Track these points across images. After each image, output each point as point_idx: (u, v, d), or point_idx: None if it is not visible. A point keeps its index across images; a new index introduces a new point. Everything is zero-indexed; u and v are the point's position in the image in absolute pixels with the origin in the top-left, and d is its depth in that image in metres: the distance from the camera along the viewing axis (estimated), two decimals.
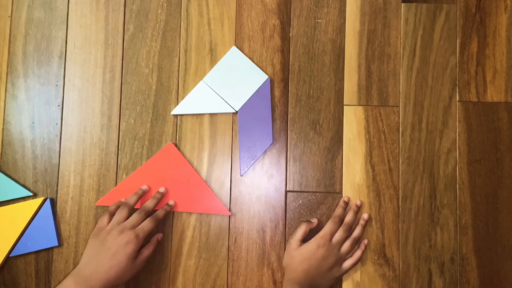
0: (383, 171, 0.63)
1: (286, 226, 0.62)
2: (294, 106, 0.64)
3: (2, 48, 0.64)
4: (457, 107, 0.64)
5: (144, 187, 0.61)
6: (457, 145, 0.63)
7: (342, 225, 0.59)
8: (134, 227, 0.55)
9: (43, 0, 0.65)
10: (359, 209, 0.62)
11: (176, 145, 0.63)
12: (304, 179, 0.63)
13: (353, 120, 0.64)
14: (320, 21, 0.65)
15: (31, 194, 0.61)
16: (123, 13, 0.65)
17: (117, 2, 0.65)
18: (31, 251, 0.61)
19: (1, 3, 0.65)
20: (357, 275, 0.61)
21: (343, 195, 0.63)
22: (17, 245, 0.60)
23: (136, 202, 0.59)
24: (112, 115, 0.64)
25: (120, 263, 0.53)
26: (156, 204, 0.59)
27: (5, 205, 0.61)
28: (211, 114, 0.64)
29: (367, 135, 0.63)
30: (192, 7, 0.65)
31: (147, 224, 0.56)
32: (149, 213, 0.58)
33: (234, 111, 0.63)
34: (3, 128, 0.63)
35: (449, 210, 0.62)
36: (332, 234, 0.57)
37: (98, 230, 0.55)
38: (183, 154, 0.63)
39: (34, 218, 0.61)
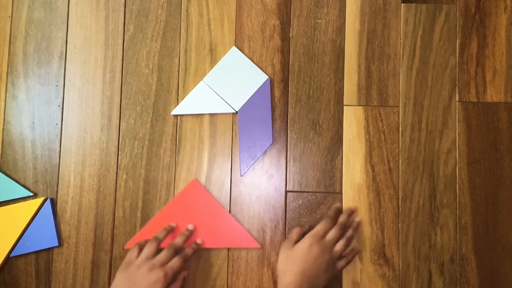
0: (383, 171, 0.63)
1: (286, 226, 0.62)
2: (294, 106, 0.64)
3: (2, 48, 0.64)
4: (456, 107, 0.64)
5: (173, 224, 0.61)
6: (457, 145, 0.63)
7: (336, 224, 0.59)
8: (163, 264, 0.55)
9: (43, 1, 0.65)
10: (352, 212, 0.62)
11: (176, 145, 0.63)
12: (304, 179, 0.63)
13: (353, 120, 0.64)
14: (320, 21, 0.65)
15: (31, 194, 0.62)
16: (123, 14, 0.65)
17: (117, 2, 0.65)
18: (31, 251, 0.61)
19: (2, 4, 0.65)
20: (357, 275, 0.61)
21: (343, 195, 0.63)
22: (17, 245, 0.60)
23: (165, 237, 0.59)
24: (112, 115, 0.64)
25: None
26: (185, 242, 0.59)
27: (6, 205, 0.61)
28: (211, 114, 0.64)
29: (367, 135, 0.64)
30: (192, 8, 0.65)
31: (175, 263, 0.55)
32: (178, 251, 0.57)
33: (234, 111, 0.63)
34: (3, 128, 0.63)
35: (449, 210, 0.62)
36: (325, 233, 0.57)
37: (127, 264, 0.55)
38: (183, 155, 0.63)
39: (34, 218, 0.61)
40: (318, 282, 0.55)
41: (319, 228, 0.57)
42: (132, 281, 0.53)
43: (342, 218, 0.60)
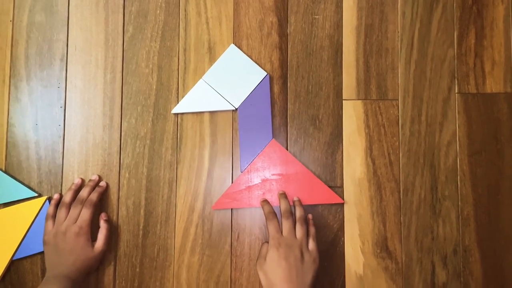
0: (383, 165, 0.63)
1: None
2: (294, 102, 0.65)
3: (4, 52, 0.65)
4: (456, 99, 0.64)
5: (76, 180, 0.63)
6: (457, 137, 0.63)
7: (282, 214, 0.56)
8: (75, 220, 0.59)
9: (44, 4, 0.66)
10: (282, 193, 0.60)
11: (177, 143, 0.64)
12: None
13: (352, 115, 0.64)
14: (317, 17, 0.65)
15: (36, 194, 0.62)
16: (122, 15, 0.66)
17: (116, 4, 0.66)
18: (35, 252, 0.61)
19: (3, 8, 0.66)
20: (359, 269, 0.62)
21: (344, 189, 0.63)
22: (21, 247, 0.61)
23: (72, 197, 0.61)
24: (114, 115, 0.65)
25: (80, 256, 0.57)
26: (90, 192, 0.61)
27: (10, 206, 0.62)
28: (211, 112, 0.64)
29: (367, 129, 0.64)
30: (190, 7, 0.66)
31: (85, 213, 0.59)
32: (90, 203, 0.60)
33: (234, 109, 0.64)
34: (7, 131, 0.64)
35: (451, 202, 0.62)
36: (279, 230, 0.55)
37: (46, 237, 0.59)
38: (184, 153, 0.64)
39: (37, 218, 0.62)
40: (305, 276, 0.52)
41: (271, 230, 0.55)
42: (59, 250, 0.57)
43: (283, 205, 0.58)
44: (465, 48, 0.64)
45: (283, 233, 0.55)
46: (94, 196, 0.61)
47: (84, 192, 0.61)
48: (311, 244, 0.55)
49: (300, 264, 0.52)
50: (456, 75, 0.64)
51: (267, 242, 0.55)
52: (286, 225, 0.55)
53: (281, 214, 0.57)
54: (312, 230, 0.57)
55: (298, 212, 0.57)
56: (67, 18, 0.66)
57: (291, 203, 0.60)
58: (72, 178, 0.64)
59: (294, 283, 0.51)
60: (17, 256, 0.61)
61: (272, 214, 0.56)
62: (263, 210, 0.58)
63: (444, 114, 0.63)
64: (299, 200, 0.60)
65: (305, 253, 0.54)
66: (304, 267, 0.53)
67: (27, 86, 0.65)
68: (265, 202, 0.60)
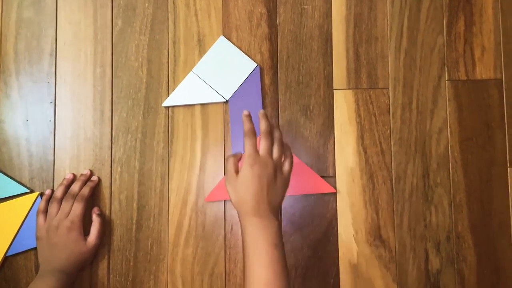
0: (375, 153, 0.63)
1: (281, 211, 0.63)
2: (284, 92, 0.65)
3: None
4: (446, 86, 0.64)
5: (68, 175, 0.62)
6: (448, 124, 0.63)
7: (261, 133, 0.53)
8: (67, 215, 0.59)
9: (32, 0, 0.66)
10: (267, 115, 0.55)
11: (168, 136, 0.64)
12: None
13: (343, 104, 0.64)
14: (306, 7, 0.65)
15: (28, 190, 0.62)
16: (110, 9, 0.65)
17: None
18: (27, 248, 0.61)
19: None
20: (353, 257, 0.62)
21: (337, 179, 0.63)
22: (14, 243, 0.61)
23: (63, 192, 0.61)
24: (105, 109, 0.64)
25: (73, 250, 0.57)
26: (82, 186, 0.61)
27: (2, 202, 0.62)
28: (202, 104, 0.64)
29: (358, 118, 0.64)
30: None
31: (76, 207, 0.59)
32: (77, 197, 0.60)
33: (225, 100, 0.64)
34: None
35: (443, 189, 0.62)
36: (256, 148, 0.52)
37: (39, 232, 0.59)
38: (176, 146, 0.64)
39: (30, 214, 0.61)
40: (275, 196, 0.51)
41: (248, 147, 0.52)
42: (52, 244, 0.58)
43: (262, 126, 0.53)
44: (454, 35, 0.64)
45: (260, 152, 0.52)
46: (85, 190, 0.60)
47: (75, 187, 0.61)
48: (286, 168, 0.53)
49: (273, 184, 0.51)
50: (446, 62, 0.64)
51: (232, 156, 0.54)
52: (264, 144, 0.52)
53: (260, 133, 0.53)
54: (288, 153, 0.55)
55: (277, 133, 0.55)
56: (56, 13, 0.66)
57: (271, 125, 0.56)
58: (63, 173, 0.63)
59: (265, 202, 0.50)
60: (10, 253, 0.61)
61: (251, 131, 0.53)
62: (244, 126, 0.53)
63: (434, 101, 0.63)
64: (265, 113, 0.55)
65: (279, 174, 0.52)
66: (276, 187, 0.51)
67: (16, 81, 0.65)
68: (248, 118, 0.54)
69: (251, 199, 0.50)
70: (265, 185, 0.50)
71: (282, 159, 0.54)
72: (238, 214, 0.52)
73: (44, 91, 0.65)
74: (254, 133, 0.53)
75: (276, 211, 0.51)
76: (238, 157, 0.54)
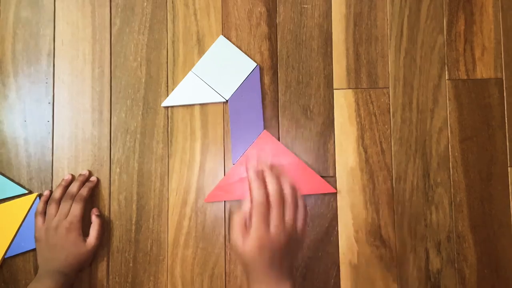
0: (375, 153, 0.63)
1: None
2: (284, 92, 0.64)
3: None
4: (446, 86, 0.63)
5: (67, 176, 0.62)
6: (449, 123, 0.63)
7: (271, 199, 0.45)
8: (66, 216, 0.58)
9: (30, 0, 0.65)
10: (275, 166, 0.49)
11: (168, 136, 0.63)
12: None
13: (343, 104, 0.64)
14: (306, 6, 0.65)
15: (26, 191, 0.62)
16: (109, 8, 0.65)
17: None
18: (26, 250, 0.61)
19: None
20: (354, 258, 0.62)
21: (337, 179, 0.63)
22: (13, 245, 0.61)
23: (62, 193, 0.60)
24: (103, 110, 0.64)
25: (72, 251, 0.57)
26: (80, 187, 0.61)
27: (1, 204, 0.61)
28: (202, 104, 0.64)
29: (358, 118, 0.63)
30: None
31: (75, 208, 0.58)
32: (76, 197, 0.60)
33: (225, 100, 0.63)
34: None
35: (443, 189, 0.62)
36: (266, 219, 0.44)
37: (38, 233, 0.58)
38: (175, 146, 0.63)
39: (28, 216, 0.61)
40: (289, 258, 0.46)
41: (257, 217, 0.44)
42: (51, 246, 0.57)
43: (271, 191, 0.45)
44: (454, 34, 0.64)
45: (271, 222, 0.45)
46: (84, 191, 0.60)
47: (73, 187, 0.60)
48: (300, 223, 0.46)
49: (286, 249, 0.45)
50: (446, 62, 0.64)
51: (236, 215, 0.46)
52: (275, 213, 0.45)
53: (270, 198, 0.46)
54: (302, 210, 0.47)
55: (287, 188, 0.46)
56: (53, 13, 0.65)
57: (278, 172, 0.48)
58: (62, 174, 0.63)
59: (277, 268, 0.45)
60: (9, 254, 0.61)
61: (262, 200, 0.45)
62: (253, 192, 0.45)
63: (435, 101, 0.63)
64: (272, 174, 0.47)
65: (293, 237, 0.46)
66: (290, 250, 0.46)
67: (14, 82, 0.64)
68: (257, 183, 0.46)
69: (261, 268, 0.44)
70: (278, 255, 0.44)
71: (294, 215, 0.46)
72: (246, 277, 0.46)
73: (42, 91, 0.64)
74: (264, 203, 0.45)
75: (290, 270, 0.46)
76: (243, 217, 0.46)
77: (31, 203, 0.61)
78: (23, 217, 0.61)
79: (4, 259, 0.61)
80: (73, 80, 0.64)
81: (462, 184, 0.62)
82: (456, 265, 0.61)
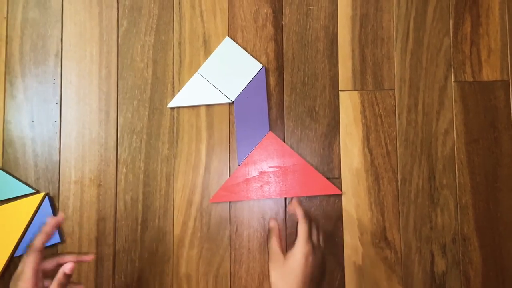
0: (381, 155, 0.63)
1: (287, 213, 0.63)
2: (290, 94, 0.64)
3: None
4: (452, 88, 0.63)
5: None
6: (454, 125, 0.63)
7: (299, 219, 0.54)
8: None
9: (38, 0, 0.66)
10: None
11: (173, 137, 0.64)
12: None
13: (349, 105, 0.64)
14: (312, 8, 0.65)
15: (34, 191, 0.62)
16: (116, 9, 0.65)
17: None
18: None
19: None
20: (358, 259, 0.62)
21: (342, 180, 0.63)
22: (21, 244, 0.61)
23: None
24: (110, 110, 0.64)
25: None
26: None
27: (8, 203, 0.62)
28: (208, 105, 0.64)
29: (364, 119, 0.64)
30: (184, 0, 0.65)
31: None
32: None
33: (230, 101, 0.64)
34: (3, 128, 0.64)
35: (449, 191, 0.62)
36: (311, 235, 0.53)
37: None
38: (181, 147, 0.64)
39: (36, 215, 0.62)
40: (321, 277, 0.53)
41: (303, 234, 0.52)
42: None
43: (300, 212, 0.55)
44: (461, 36, 0.64)
45: (304, 237, 0.52)
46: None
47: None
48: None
49: (318, 268, 0.53)
50: (452, 64, 0.64)
51: (274, 236, 0.54)
52: (305, 229, 0.53)
53: (299, 218, 0.54)
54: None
55: (300, 211, 0.55)
56: (61, 13, 0.66)
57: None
58: (69, 174, 0.63)
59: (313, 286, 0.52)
60: (17, 253, 0.61)
61: (308, 217, 0.54)
62: (298, 212, 0.54)
63: (440, 103, 0.63)
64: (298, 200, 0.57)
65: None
66: (321, 269, 0.54)
67: (22, 82, 0.65)
68: (299, 203, 0.56)
69: (298, 285, 0.50)
70: (312, 271, 0.51)
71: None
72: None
73: (50, 92, 0.65)
74: (310, 219, 0.54)
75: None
76: (278, 234, 0.54)
77: (38, 203, 0.62)
78: (31, 216, 0.61)
79: (12, 258, 0.61)
80: (80, 80, 0.65)
81: (467, 186, 0.62)
82: (461, 267, 0.61)
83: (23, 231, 0.61)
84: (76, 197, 0.63)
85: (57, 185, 0.63)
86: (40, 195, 0.62)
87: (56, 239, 0.62)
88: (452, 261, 0.61)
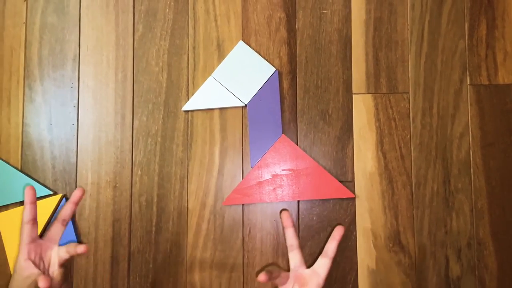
0: (395, 158, 0.63)
1: (300, 215, 0.63)
2: (303, 97, 0.65)
3: (18, 53, 0.67)
4: (468, 91, 0.63)
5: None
6: (470, 129, 0.62)
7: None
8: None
9: (56, 6, 0.67)
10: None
11: (187, 140, 0.65)
12: None
13: (362, 109, 0.64)
14: (325, 11, 0.65)
15: (51, 192, 0.64)
16: (132, 14, 0.67)
17: (126, 3, 0.67)
18: None
19: (16, 11, 0.67)
20: (372, 263, 0.61)
21: (355, 184, 0.63)
22: None
23: None
24: (126, 113, 0.65)
25: None
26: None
27: None
28: (221, 109, 0.65)
29: (377, 122, 0.63)
30: (198, 5, 0.66)
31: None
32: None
33: (244, 105, 0.64)
34: (22, 131, 0.66)
35: (464, 195, 0.62)
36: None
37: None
38: (195, 149, 0.64)
39: (53, 217, 0.63)
40: None
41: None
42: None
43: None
44: (476, 39, 0.64)
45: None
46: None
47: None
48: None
49: None
50: (467, 67, 0.63)
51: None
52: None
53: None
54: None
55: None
56: (79, 18, 0.67)
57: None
58: (86, 175, 0.65)
59: None
60: None
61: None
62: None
63: (456, 106, 0.63)
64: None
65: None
66: None
67: (40, 86, 0.66)
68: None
69: None
70: None
71: None
72: None
73: (68, 95, 0.66)
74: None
75: None
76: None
77: (56, 204, 0.63)
78: (48, 217, 0.63)
79: None
80: (97, 84, 0.66)
81: (483, 191, 0.61)
82: (476, 272, 0.61)
83: (41, 232, 0.62)
84: (92, 199, 0.64)
85: (74, 186, 0.65)
86: (58, 197, 0.63)
87: (72, 239, 0.63)
88: (467, 266, 0.61)
